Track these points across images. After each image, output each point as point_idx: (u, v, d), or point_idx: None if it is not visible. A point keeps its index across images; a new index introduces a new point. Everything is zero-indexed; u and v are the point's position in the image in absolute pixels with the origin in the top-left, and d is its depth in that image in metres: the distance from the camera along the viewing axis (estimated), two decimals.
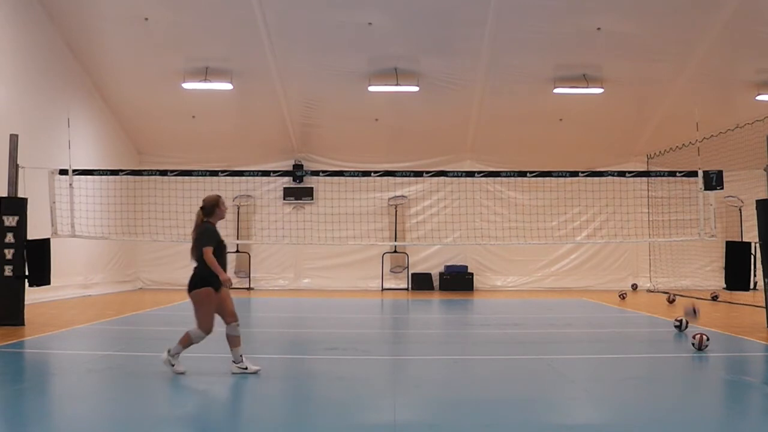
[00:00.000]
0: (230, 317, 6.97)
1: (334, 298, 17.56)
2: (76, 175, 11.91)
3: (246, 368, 6.93)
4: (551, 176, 14.32)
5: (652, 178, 18.70)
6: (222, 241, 7.02)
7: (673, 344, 9.85)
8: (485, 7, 15.53)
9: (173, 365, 6.88)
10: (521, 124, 19.88)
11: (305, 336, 10.97)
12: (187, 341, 6.92)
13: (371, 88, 18.03)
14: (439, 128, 20.27)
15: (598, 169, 13.70)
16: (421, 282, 21.17)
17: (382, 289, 21.02)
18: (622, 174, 13.37)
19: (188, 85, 17.94)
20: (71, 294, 16.58)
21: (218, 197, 7.18)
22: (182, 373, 6.83)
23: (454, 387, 6.79)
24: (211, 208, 7.08)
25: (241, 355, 6.98)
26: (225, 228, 20.48)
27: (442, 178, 18.44)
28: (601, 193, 17.14)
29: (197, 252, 6.85)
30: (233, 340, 6.99)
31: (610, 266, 22.00)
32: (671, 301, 16.30)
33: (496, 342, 9.96)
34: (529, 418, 5.40)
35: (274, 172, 14.59)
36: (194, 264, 6.90)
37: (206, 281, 6.79)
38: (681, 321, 10.29)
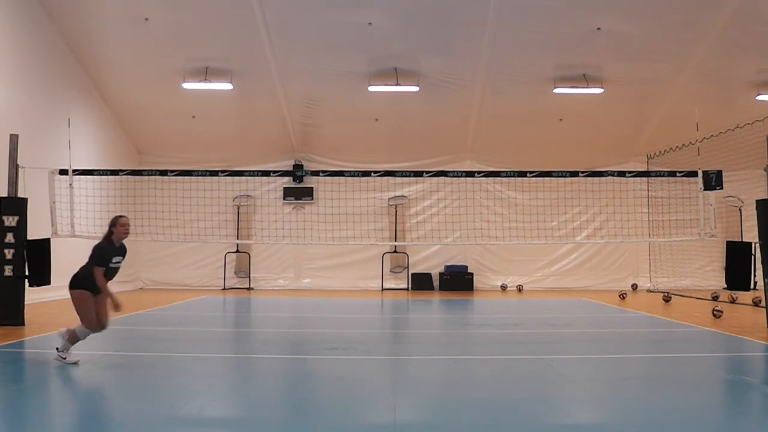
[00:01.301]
0: (96, 324, 7.38)
1: (334, 298, 17.56)
2: (76, 175, 11.91)
3: (65, 358, 7.29)
4: (551, 176, 14.31)
5: (652, 178, 18.69)
6: (111, 262, 7.41)
7: (673, 344, 9.85)
8: (485, 7, 15.53)
9: (64, 358, 7.28)
10: (521, 124, 19.89)
11: (305, 336, 10.97)
12: (74, 338, 7.33)
13: (371, 88, 18.03)
14: (439, 128, 20.27)
15: (598, 169, 13.70)
16: (421, 282, 21.18)
17: (382, 289, 21.02)
18: (622, 174, 13.37)
19: (188, 85, 17.94)
20: None
21: (116, 218, 7.56)
22: (76, 363, 7.22)
23: (454, 387, 6.79)
24: (109, 228, 7.49)
25: (67, 350, 7.32)
26: (225, 228, 20.81)
27: (442, 178, 18.43)
28: (601, 193, 17.14)
29: (89, 263, 7.30)
30: (74, 337, 7.33)
31: (610, 266, 22.00)
32: (667, 300, 16.32)
33: (496, 342, 9.96)
34: (529, 418, 5.40)
35: (274, 172, 14.59)
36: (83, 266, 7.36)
37: (81, 284, 7.28)
38: None
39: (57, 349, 7.33)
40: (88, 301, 7.30)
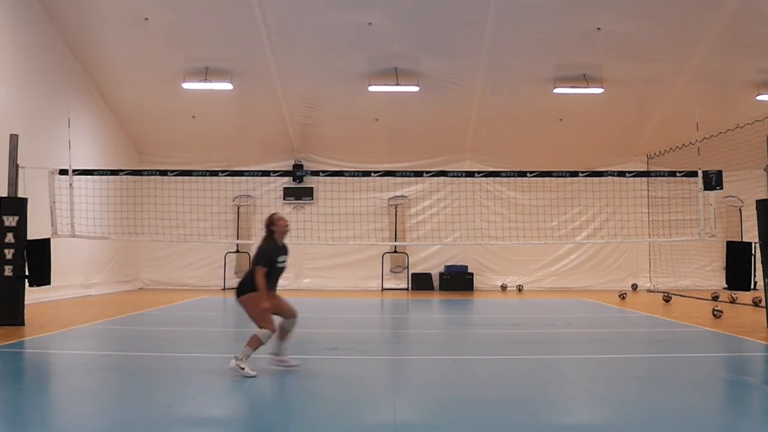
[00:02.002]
0: (290, 314, 7.40)
1: (334, 298, 17.56)
2: (76, 175, 11.91)
3: (243, 369, 6.89)
4: (551, 176, 14.31)
5: (652, 178, 18.70)
6: (277, 262, 7.37)
7: (673, 344, 9.85)
8: (485, 7, 15.53)
9: (243, 369, 6.84)
10: (521, 124, 19.89)
11: (305, 336, 10.95)
12: (256, 342, 6.93)
13: (371, 88, 18.03)
14: (439, 128, 20.27)
15: (598, 169, 13.70)
16: (421, 282, 21.17)
17: (382, 289, 21.02)
18: (622, 174, 13.37)
19: (188, 85, 17.95)
20: (71, 294, 16.59)
21: (272, 216, 7.56)
22: (254, 377, 6.81)
23: (454, 387, 6.79)
24: (267, 228, 7.45)
25: (247, 357, 6.95)
26: (225, 228, 20.82)
27: (442, 178, 18.43)
28: (601, 193, 17.15)
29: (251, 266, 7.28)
30: (256, 341, 6.96)
31: (610, 266, 22.00)
32: (667, 300, 16.32)
33: (496, 342, 9.96)
34: (529, 418, 5.40)
35: (274, 172, 14.59)
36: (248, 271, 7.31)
37: (251, 288, 7.05)
38: None
39: (236, 358, 6.88)
40: (264, 300, 7.00)
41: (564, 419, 5.51)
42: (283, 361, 7.27)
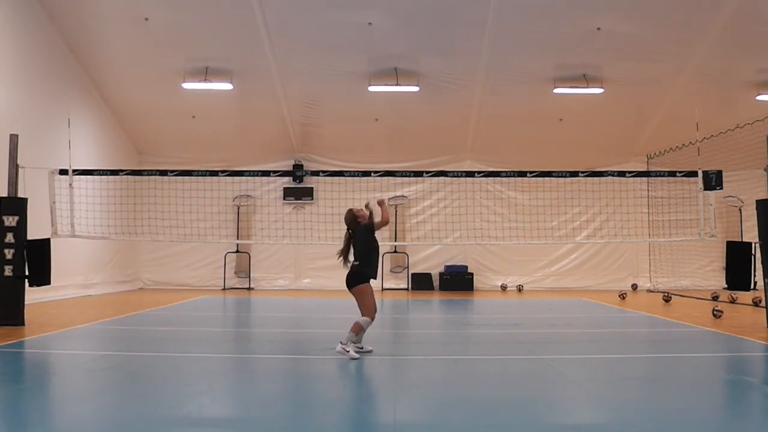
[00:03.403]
0: (376, 311, 8.09)
1: (334, 298, 17.55)
2: (76, 175, 11.91)
3: (348, 351, 7.78)
4: (551, 176, 14.30)
5: (652, 178, 18.70)
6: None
7: (673, 344, 9.85)
8: (485, 7, 15.53)
9: (348, 351, 7.77)
10: (521, 124, 19.89)
11: (305, 336, 10.97)
12: (358, 328, 7.88)
13: (371, 88, 18.03)
14: (439, 128, 20.27)
15: (598, 169, 13.70)
16: (421, 282, 21.18)
17: (382, 289, 21.01)
18: (622, 174, 13.37)
19: (188, 85, 17.95)
20: (71, 294, 16.59)
21: (349, 210, 8.65)
22: (356, 359, 7.69)
23: (454, 387, 6.79)
24: (354, 221, 8.41)
25: (352, 341, 7.88)
26: (225, 228, 20.82)
27: (442, 178, 18.42)
28: (601, 193, 17.16)
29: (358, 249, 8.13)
30: (359, 328, 7.92)
31: (610, 266, 22.01)
32: (667, 300, 16.31)
33: (496, 342, 9.96)
34: (529, 418, 5.40)
35: (274, 172, 14.58)
36: (354, 262, 8.13)
37: (366, 276, 7.99)
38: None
39: (341, 342, 7.81)
40: (372, 292, 7.95)
41: (564, 419, 5.50)
42: (361, 347, 8.12)
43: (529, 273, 21.85)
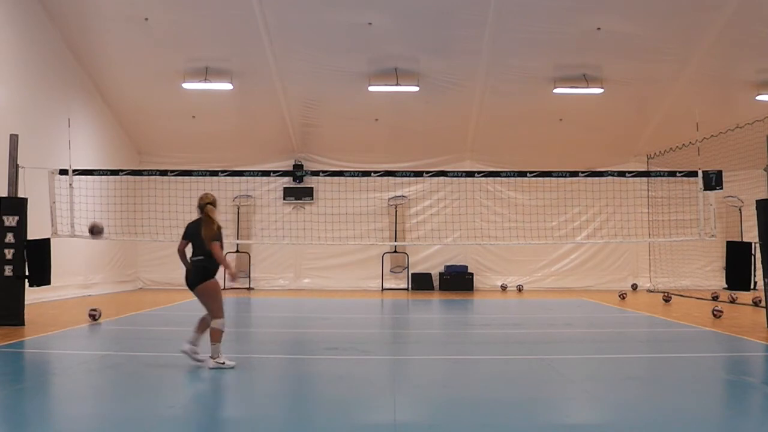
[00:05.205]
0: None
1: (334, 298, 17.56)
2: (76, 175, 11.91)
3: (223, 363, 7.13)
4: (551, 176, 14.33)
5: (652, 178, 18.70)
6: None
7: (673, 344, 9.85)
8: (485, 7, 15.52)
9: (223, 363, 7.14)
10: (521, 124, 19.89)
11: (305, 336, 10.97)
12: (218, 335, 7.17)
13: (371, 88, 18.03)
14: (439, 128, 20.27)
15: (598, 169, 13.71)
16: (421, 282, 21.17)
17: (382, 289, 21.02)
18: (622, 174, 13.37)
19: (188, 85, 17.95)
20: (71, 294, 16.58)
21: (208, 197, 7.45)
22: (232, 368, 7.14)
23: (454, 387, 6.79)
24: (207, 206, 7.33)
25: (219, 353, 7.17)
26: (225, 228, 20.66)
27: (442, 178, 18.45)
28: (601, 193, 17.16)
29: (205, 246, 7.16)
30: (218, 335, 7.19)
31: (610, 266, 22.00)
32: (667, 300, 16.31)
33: (496, 342, 9.96)
34: (529, 418, 5.40)
35: (274, 172, 14.59)
36: (197, 258, 7.24)
37: (212, 272, 7.24)
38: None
39: (211, 357, 7.14)
40: (220, 288, 7.31)
41: (564, 419, 5.51)
42: (196, 353, 7.30)
43: (529, 273, 21.85)
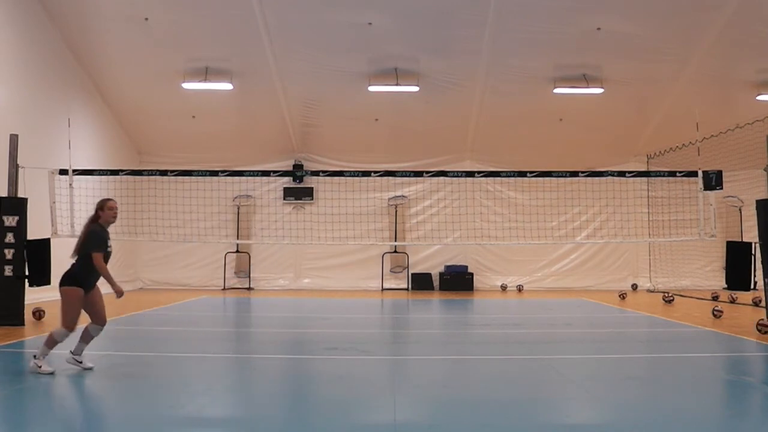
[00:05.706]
0: (99, 320, 7.14)
1: (334, 298, 17.56)
2: (76, 175, 11.91)
3: (81, 362, 7.06)
4: (551, 176, 14.32)
5: (652, 178, 18.71)
6: (108, 246, 7.08)
7: (673, 344, 9.85)
8: (485, 7, 15.52)
9: (40, 367, 6.86)
10: (521, 124, 19.89)
11: (305, 336, 10.97)
12: (52, 341, 6.93)
13: (371, 88, 18.03)
14: (439, 128, 20.27)
15: (598, 169, 13.71)
16: (421, 282, 21.17)
17: (382, 289, 21.02)
18: (622, 174, 13.37)
19: (188, 85, 17.95)
20: None
21: (103, 201, 7.26)
22: (51, 374, 6.81)
23: (454, 387, 6.79)
24: (96, 211, 7.14)
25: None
26: (225, 228, 20.82)
27: (442, 178, 18.45)
28: (601, 193, 17.16)
29: (81, 251, 6.92)
30: (87, 337, 7.11)
31: (610, 266, 22.00)
32: (668, 301, 16.31)
33: (496, 342, 9.96)
34: (529, 418, 5.40)
35: (274, 172, 14.59)
36: (73, 260, 6.99)
37: (77, 281, 6.89)
38: None
39: (34, 357, 6.92)
40: (80, 301, 6.92)
41: (564, 419, 5.51)
42: (79, 361, 7.17)
43: (529, 273, 21.85)
